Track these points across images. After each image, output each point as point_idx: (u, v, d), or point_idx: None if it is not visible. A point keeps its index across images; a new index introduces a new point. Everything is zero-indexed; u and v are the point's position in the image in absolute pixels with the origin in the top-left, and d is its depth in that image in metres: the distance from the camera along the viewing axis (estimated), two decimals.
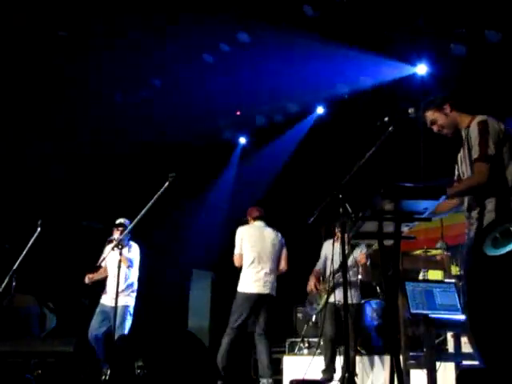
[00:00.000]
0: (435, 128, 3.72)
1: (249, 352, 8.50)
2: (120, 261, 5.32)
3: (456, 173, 3.73)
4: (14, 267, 5.91)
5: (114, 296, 5.92)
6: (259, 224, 6.19)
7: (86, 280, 6.48)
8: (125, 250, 6.03)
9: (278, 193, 9.39)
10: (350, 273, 5.93)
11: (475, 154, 3.41)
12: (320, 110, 9.40)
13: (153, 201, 4.95)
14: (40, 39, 7.33)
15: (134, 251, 6.47)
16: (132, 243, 6.52)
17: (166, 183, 4.91)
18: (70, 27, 7.34)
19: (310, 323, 7.20)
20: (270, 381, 5.71)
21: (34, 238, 5.86)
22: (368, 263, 6.04)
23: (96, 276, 6.61)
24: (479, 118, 3.53)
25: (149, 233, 7.82)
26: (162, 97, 8.52)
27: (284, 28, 7.25)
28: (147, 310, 6.89)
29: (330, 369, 5.83)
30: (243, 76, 8.08)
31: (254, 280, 5.92)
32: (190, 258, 9.45)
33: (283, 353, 7.41)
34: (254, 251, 5.99)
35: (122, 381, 4.50)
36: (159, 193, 4.93)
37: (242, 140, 10.38)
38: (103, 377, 4.79)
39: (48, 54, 7.52)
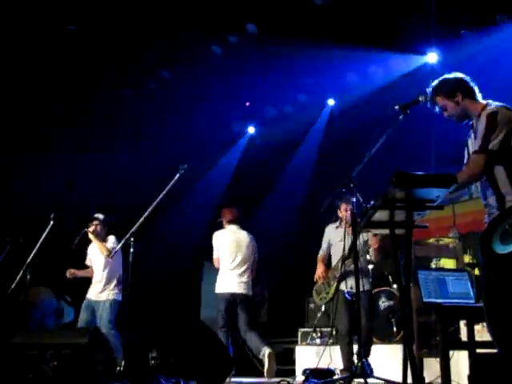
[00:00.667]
0: (445, 114, 3.70)
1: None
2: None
3: (465, 157, 3.72)
4: (28, 261, 5.96)
5: (97, 289, 6.32)
6: (233, 228, 6.45)
7: (67, 274, 6.46)
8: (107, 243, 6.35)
9: (288, 181, 9.40)
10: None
11: (476, 145, 3.41)
12: (331, 102, 9.39)
13: (164, 192, 4.97)
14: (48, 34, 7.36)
15: (110, 242, 6.41)
16: (110, 236, 6.52)
17: (177, 175, 4.92)
18: (79, 21, 7.36)
19: (319, 314, 7.18)
20: (269, 349, 5.82)
21: (46, 231, 5.90)
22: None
23: (80, 273, 6.60)
24: (489, 109, 3.50)
25: (159, 224, 7.86)
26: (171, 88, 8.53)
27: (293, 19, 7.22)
28: (160, 302, 6.93)
29: (348, 368, 5.47)
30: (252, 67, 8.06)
31: (228, 281, 6.30)
32: (201, 249, 9.47)
33: (295, 343, 7.43)
34: (230, 256, 6.33)
35: (136, 371, 4.54)
36: (170, 184, 4.94)
37: (251, 130, 10.34)
38: (118, 368, 4.82)
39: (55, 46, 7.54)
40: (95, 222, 6.48)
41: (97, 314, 6.23)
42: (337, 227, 5.95)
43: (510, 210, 3.29)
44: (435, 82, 3.75)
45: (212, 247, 6.48)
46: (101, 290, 6.33)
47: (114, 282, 6.39)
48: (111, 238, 6.46)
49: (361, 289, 5.12)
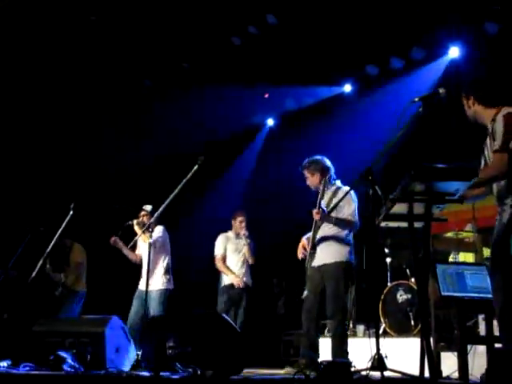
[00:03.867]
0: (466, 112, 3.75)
1: (278, 334, 8.58)
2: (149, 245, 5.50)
3: (482, 163, 3.71)
4: (48, 249, 6.03)
5: (146, 280, 6.12)
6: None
7: (111, 241, 6.50)
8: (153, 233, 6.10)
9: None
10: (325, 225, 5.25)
11: (497, 145, 3.41)
12: (348, 88, 9.29)
13: (182, 184, 4.98)
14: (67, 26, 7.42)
15: (156, 232, 6.34)
16: (157, 226, 6.46)
17: (195, 166, 4.93)
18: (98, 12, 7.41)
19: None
20: None
21: (66, 220, 5.96)
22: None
23: (124, 248, 6.58)
24: (505, 109, 3.50)
25: (179, 217, 7.90)
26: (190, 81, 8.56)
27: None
28: (178, 293, 6.97)
29: (306, 350, 5.23)
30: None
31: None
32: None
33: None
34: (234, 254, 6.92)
35: (152, 361, 4.58)
36: (188, 176, 4.94)
37: (270, 122, 10.31)
38: (135, 357, 4.88)
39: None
40: (143, 213, 6.55)
41: (148, 303, 6.07)
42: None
43: None
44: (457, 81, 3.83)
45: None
46: (150, 279, 6.14)
47: (162, 271, 6.46)
48: (158, 228, 6.44)
49: (322, 262, 5.17)
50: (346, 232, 5.25)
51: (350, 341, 5.80)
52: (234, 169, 10.12)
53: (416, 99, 3.75)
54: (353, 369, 4.20)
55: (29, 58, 7.71)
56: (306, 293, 5.26)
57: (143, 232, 6.09)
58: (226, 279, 6.89)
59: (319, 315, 5.22)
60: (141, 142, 8.77)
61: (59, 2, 7.06)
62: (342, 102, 9.14)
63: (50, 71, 7.98)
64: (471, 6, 6.87)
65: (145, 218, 6.47)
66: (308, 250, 5.29)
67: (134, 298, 6.43)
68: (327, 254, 5.19)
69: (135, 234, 6.35)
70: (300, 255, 5.43)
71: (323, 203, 5.33)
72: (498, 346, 4.30)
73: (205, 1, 7.26)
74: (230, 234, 7.09)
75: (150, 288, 6.13)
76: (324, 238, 5.22)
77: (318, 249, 5.24)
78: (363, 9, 7.18)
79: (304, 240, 5.45)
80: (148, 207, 6.57)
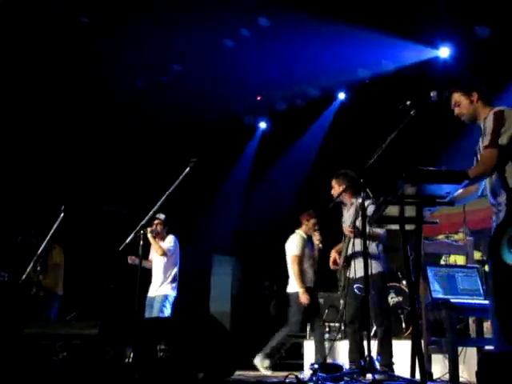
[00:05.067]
0: (456, 111, 3.70)
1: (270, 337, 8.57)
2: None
3: (475, 162, 3.72)
4: (39, 252, 6.00)
5: (155, 286, 6.57)
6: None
7: (129, 260, 6.54)
8: (164, 242, 6.59)
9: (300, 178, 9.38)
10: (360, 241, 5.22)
11: (486, 141, 3.42)
12: (342, 96, 9.37)
13: (174, 186, 4.96)
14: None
15: (167, 242, 6.65)
16: (169, 235, 6.72)
17: (187, 168, 4.91)
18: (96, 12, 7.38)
19: (328, 308, 7.16)
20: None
21: (57, 223, 5.93)
22: None
23: (138, 261, 6.66)
24: (496, 108, 3.53)
25: (169, 218, 7.88)
26: (183, 82, 8.54)
27: (304, 10, 7.18)
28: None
29: (353, 360, 5.33)
30: (263, 60, 8.04)
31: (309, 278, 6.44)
32: (210, 243, 9.50)
33: (304, 337, 7.44)
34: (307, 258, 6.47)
35: (144, 363, 4.56)
36: (180, 178, 4.93)
37: (262, 125, 10.34)
38: (127, 359, 4.85)
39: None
40: (156, 221, 6.63)
41: (154, 308, 6.45)
42: (343, 207, 5.74)
43: None
44: (455, 76, 3.78)
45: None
46: (158, 286, 6.57)
47: (170, 279, 6.62)
48: (169, 238, 6.66)
49: (359, 275, 5.02)
50: (375, 243, 5.29)
51: (343, 343, 5.83)
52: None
53: (408, 102, 3.77)
54: (344, 370, 4.22)
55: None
56: (342, 301, 5.51)
57: (157, 241, 6.47)
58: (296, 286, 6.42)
59: (362, 323, 5.25)
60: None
61: None
62: None
63: (31, 71, 7.93)
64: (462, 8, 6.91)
65: (158, 227, 6.63)
66: (341, 263, 5.42)
67: (146, 306, 6.56)
68: (360, 267, 4.97)
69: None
70: (333, 267, 5.60)
71: (348, 216, 5.41)
72: (488, 348, 4.32)
73: None
74: (304, 235, 6.58)
75: (156, 293, 6.54)
76: (357, 252, 5.15)
77: (352, 262, 5.23)
78: None
79: (334, 253, 5.59)
80: (162, 216, 6.68)
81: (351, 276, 5.23)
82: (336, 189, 5.51)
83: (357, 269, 5.10)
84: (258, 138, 10.39)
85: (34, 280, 6.65)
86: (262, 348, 6.43)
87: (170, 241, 6.64)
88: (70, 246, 7.12)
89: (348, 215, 5.47)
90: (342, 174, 5.51)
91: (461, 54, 7.60)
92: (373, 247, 5.27)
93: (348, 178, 5.42)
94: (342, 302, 5.48)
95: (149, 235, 6.40)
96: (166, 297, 6.54)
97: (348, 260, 5.32)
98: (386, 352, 5.13)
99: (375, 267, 5.19)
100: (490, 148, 3.39)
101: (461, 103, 3.68)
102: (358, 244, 5.11)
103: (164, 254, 6.52)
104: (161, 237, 6.65)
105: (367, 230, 4.96)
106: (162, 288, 6.56)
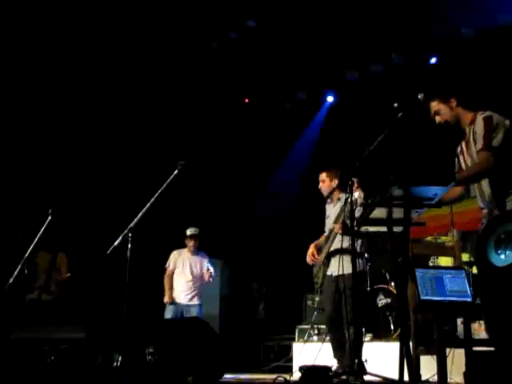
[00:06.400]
0: (437, 119, 3.74)
1: (259, 339, 8.57)
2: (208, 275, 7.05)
3: (456, 165, 3.75)
4: (26, 255, 5.95)
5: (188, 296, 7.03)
6: None
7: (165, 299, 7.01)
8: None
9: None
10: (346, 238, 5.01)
11: (479, 144, 3.46)
12: (330, 99, 9.42)
13: (162, 189, 4.95)
14: None
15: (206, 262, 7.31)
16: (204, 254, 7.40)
17: (175, 171, 4.90)
18: None
19: (317, 310, 7.15)
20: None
21: (44, 226, 5.89)
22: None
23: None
24: (484, 113, 3.57)
25: (158, 220, 7.86)
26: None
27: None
28: (158, 299, 6.94)
29: (339, 357, 5.19)
30: None
31: None
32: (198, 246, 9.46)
33: (293, 340, 7.44)
34: None
35: (133, 367, 4.54)
36: (168, 180, 4.92)
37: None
38: (115, 363, 4.83)
39: None
40: (195, 238, 7.19)
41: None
42: (328, 202, 5.52)
43: (506, 215, 3.31)
44: (430, 86, 3.82)
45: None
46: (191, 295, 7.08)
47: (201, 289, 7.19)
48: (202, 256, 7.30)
49: (339, 272, 4.95)
50: (360, 241, 5.16)
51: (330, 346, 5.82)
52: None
53: (395, 104, 3.79)
54: (332, 373, 4.22)
55: None
56: (317, 299, 5.31)
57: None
58: None
59: (340, 320, 5.11)
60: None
61: None
62: None
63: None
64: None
65: (196, 243, 7.21)
66: (320, 258, 5.26)
67: (173, 311, 6.87)
68: (344, 265, 4.90)
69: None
70: (310, 262, 5.39)
71: (334, 212, 5.24)
72: (476, 349, 4.34)
73: None
74: None
75: (192, 302, 7.02)
76: (339, 249, 4.97)
77: (333, 259, 5.14)
78: None
79: (313, 248, 5.38)
80: (196, 231, 7.25)
81: (332, 273, 5.15)
82: (327, 183, 5.31)
83: (338, 266, 4.96)
84: None
85: (26, 283, 6.69)
86: (250, 351, 6.41)
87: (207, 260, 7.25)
88: (58, 249, 7.09)
89: (334, 210, 5.30)
90: (334, 168, 5.33)
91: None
92: (357, 245, 5.05)
93: (338, 172, 5.26)
94: (316, 299, 5.37)
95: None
96: (199, 306, 7.05)
97: (329, 256, 5.19)
98: (354, 353, 4.82)
99: (357, 266, 4.93)
100: (486, 150, 3.43)
101: (440, 111, 3.72)
102: (344, 241, 4.93)
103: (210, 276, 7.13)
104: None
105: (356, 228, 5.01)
106: (195, 298, 7.07)
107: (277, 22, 7.50)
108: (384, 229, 3.75)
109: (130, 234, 5.25)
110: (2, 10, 6.86)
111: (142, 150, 8.82)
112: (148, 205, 5.01)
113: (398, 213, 3.57)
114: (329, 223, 5.30)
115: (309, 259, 5.37)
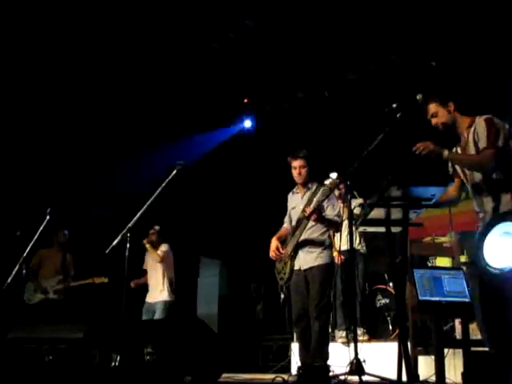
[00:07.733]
0: (434, 121, 3.74)
1: (257, 339, 8.57)
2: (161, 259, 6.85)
3: (450, 170, 3.75)
4: (24, 255, 5.95)
5: (154, 293, 6.98)
6: None
7: (132, 285, 7.00)
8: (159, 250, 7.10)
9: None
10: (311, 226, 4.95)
11: (483, 144, 3.45)
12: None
13: (160, 189, 4.94)
14: None
15: (162, 249, 7.11)
16: (163, 244, 7.19)
17: (174, 171, 4.90)
18: None
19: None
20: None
21: (43, 225, 5.89)
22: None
23: (141, 281, 7.24)
24: (484, 116, 3.57)
25: (158, 220, 7.87)
26: None
27: None
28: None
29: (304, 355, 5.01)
30: None
31: None
32: (197, 245, 9.47)
33: (291, 340, 7.44)
34: None
35: (131, 367, 4.54)
36: (167, 180, 4.92)
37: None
38: (113, 363, 4.82)
39: None
40: (152, 231, 7.14)
41: (156, 314, 6.87)
42: (293, 193, 5.29)
43: (502, 216, 3.32)
44: (429, 88, 3.83)
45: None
46: (159, 293, 6.98)
47: (167, 284, 7.03)
48: (163, 246, 7.15)
49: (307, 265, 4.88)
50: (327, 233, 5.03)
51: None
52: None
53: (394, 105, 3.79)
54: (331, 373, 4.22)
55: None
56: (282, 296, 5.18)
57: (154, 249, 6.97)
58: None
59: (308, 316, 4.94)
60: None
61: None
62: None
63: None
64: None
65: (153, 237, 7.13)
66: (288, 252, 5.02)
67: (143, 312, 6.94)
68: (312, 257, 4.92)
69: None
70: (274, 256, 5.11)
71: (303, 201, 5.05)
72: (474, 349, 4.35)
73: None
74: None
75: (156, 300, 6.95)
76: (308, 240, 4.93)
77: (301, 251, 4.96)
78: None
79: (276, 241, 5.13)
80: (156, 227, 7.20)
81: (300, 267, 4.96)
82: (303, 170, 5.04)
83: (302, 258, 4.92)
84: None
85: (25, 283, 6.79)
86: (249, 350, 6.40)
87: (164, 249, 7.08)
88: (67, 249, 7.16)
89: (304, 198, 5.06)
90: (308, 153, 5.05)
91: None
92: (325, 236, 5.00)
93: (311, 159, 5.05)
94: (282, 296, 5.17)
95: (147, 245, 7.00)
96: (167, 303, 6.91)
97: (296, 249, 4.97)
98: (320, 351, 4.81)
99: (323, 257, 4.92)
100: (491, 148, 3.43)
101: (438, 113, 3.72)
102: (315, 231, 4.92)
103: (162, 259, 6.96)
104: (156, 246, 7.09)
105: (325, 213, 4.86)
106: (162, 294, 6.94)
107: (276, 22, 7.49)
108: (382, 229, 3.76)
109: (128, 234, 5.25)
110: (1, 10, 6.85)
111: (142, 150, 8.82)
112: (147, 205, 5.00)
113: (396, 213, 3.58)
114: (296, 214, 5.08)
115: (273, 254, 5.08)
